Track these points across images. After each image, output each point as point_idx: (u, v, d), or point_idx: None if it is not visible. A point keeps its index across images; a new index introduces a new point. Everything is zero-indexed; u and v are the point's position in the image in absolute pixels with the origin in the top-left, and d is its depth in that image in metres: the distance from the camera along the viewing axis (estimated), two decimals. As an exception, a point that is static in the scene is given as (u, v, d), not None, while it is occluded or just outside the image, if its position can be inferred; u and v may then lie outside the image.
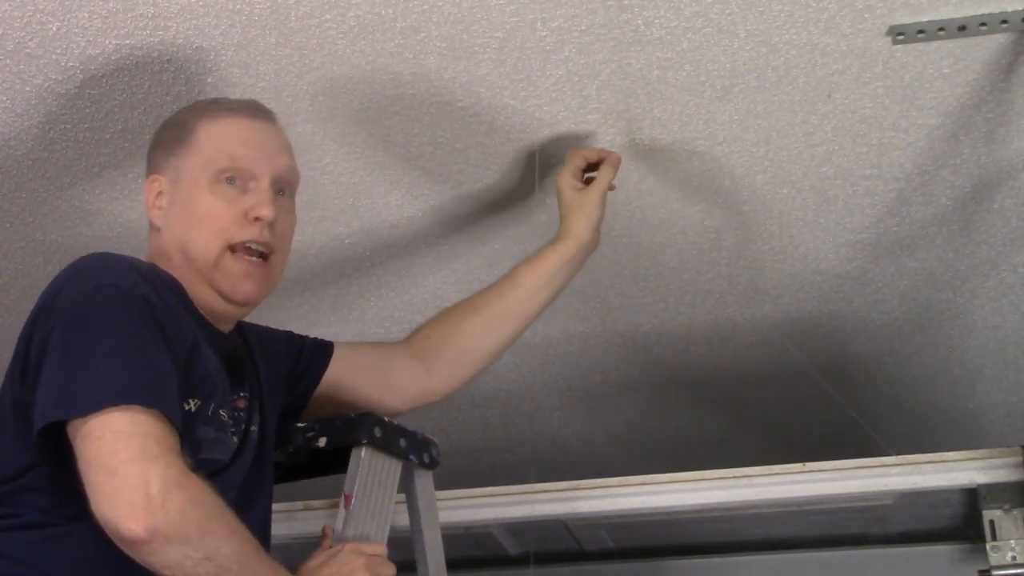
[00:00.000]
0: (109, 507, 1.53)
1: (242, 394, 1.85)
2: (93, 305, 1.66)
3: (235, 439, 1.80)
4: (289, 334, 2.07)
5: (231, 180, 1.81)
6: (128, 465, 1.53)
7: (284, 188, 1.88)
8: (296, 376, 2.03)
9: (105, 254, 1.79)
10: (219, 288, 1.81)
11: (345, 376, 2.07)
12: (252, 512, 1.82)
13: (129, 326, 1.65)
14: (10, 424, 1.68)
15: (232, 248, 1.81)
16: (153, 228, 1.87)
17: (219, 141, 1.83)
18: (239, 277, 1.81)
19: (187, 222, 1.82)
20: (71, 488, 1.58)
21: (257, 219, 1.80)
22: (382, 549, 1.87)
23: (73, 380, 1.60)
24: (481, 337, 2.19)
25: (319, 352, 2.07)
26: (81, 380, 1.59)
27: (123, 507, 1.52)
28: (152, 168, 1.88)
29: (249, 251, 1.81)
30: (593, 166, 2.20)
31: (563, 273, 2.21)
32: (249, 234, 1.81)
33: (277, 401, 1.96)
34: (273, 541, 1.92)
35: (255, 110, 1.89)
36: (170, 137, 1.87)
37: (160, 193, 1.85)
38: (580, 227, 2.18)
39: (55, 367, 1.62)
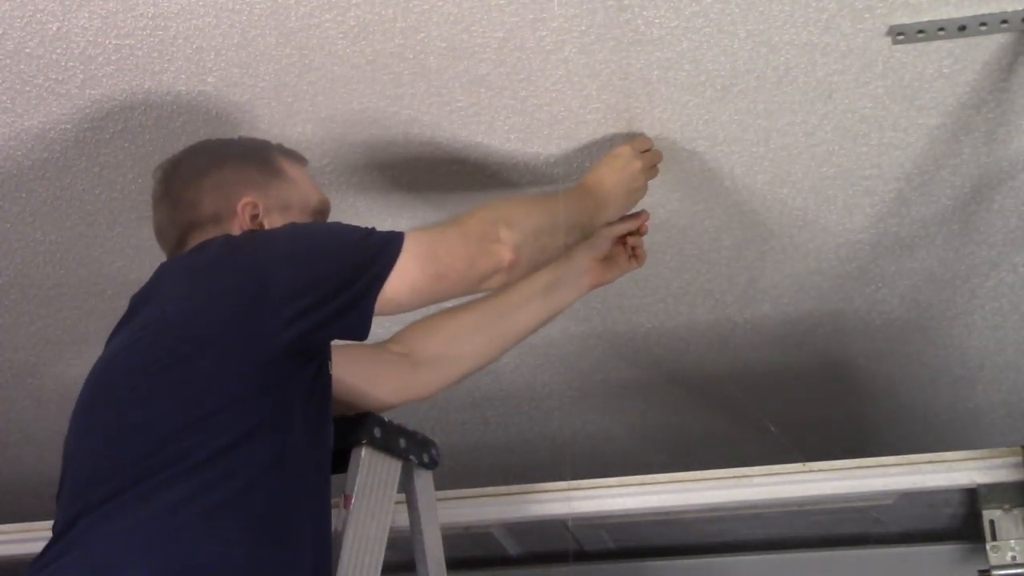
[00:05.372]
0: (484, 261, 1.86)
1: None
2: (296, 233, 1.82)
3: None
4: None
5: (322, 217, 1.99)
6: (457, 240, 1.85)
7: None
8: None
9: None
10: None
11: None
12: None
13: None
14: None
15: None
16: None
17: (305, 181, 2.00)
18: None
19: None
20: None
21: None
22: (649, 143, 2.19)
23: (359, 266, 1.76)
24: (465, 337, 2.18)
25: None
26: (362, 261, 1.76)
27: (489, 256, 1.85)
28: (239, 192, 1.91)
29: None
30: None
31: (557, 288, 2.22)
32: None
33: None
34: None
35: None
36: (255, 167, 1.95)
37: (256, 215, 1.90)
38: (576, 250, 2.20)
39: (345, 282, 1.75)
